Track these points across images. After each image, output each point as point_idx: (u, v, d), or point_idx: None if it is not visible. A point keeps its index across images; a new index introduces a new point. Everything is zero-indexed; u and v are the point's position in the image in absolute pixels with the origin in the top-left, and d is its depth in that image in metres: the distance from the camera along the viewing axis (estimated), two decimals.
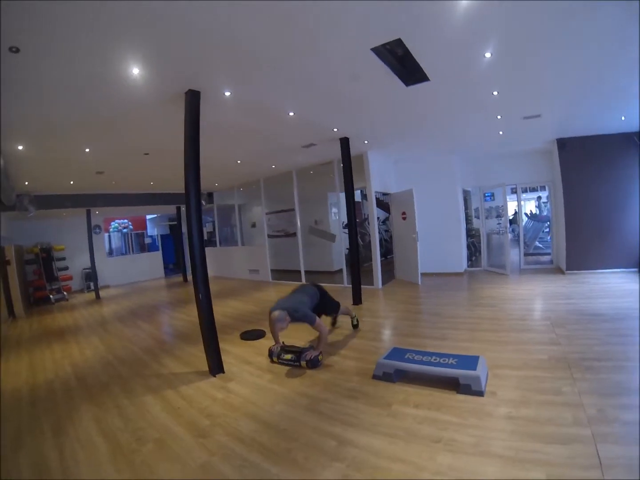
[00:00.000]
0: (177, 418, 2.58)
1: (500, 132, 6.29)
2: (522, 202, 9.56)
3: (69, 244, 9.95)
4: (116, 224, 11.89)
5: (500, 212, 12.42)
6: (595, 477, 1.69)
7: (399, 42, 2.88)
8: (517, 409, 2.33)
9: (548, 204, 13.31)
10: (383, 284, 7.25)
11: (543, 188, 13.61)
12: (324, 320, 3.88)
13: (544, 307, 4.88)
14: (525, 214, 10.78)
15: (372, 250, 7.24)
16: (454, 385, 2.67)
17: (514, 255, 8.20)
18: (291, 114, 4.42)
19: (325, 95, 4.00)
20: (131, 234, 12.29)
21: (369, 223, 7.71)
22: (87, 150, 4.99)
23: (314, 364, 3.35)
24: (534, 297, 5.56)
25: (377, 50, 2.98)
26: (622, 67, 3.72)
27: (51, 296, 8.95)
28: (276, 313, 3.41)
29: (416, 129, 5.76)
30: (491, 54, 3.27)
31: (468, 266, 8.46)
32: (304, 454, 2.09)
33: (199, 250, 3.33)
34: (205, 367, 3.43)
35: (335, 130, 5.36)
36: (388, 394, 2.74)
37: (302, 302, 3.60)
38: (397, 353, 3.16)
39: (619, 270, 6.71)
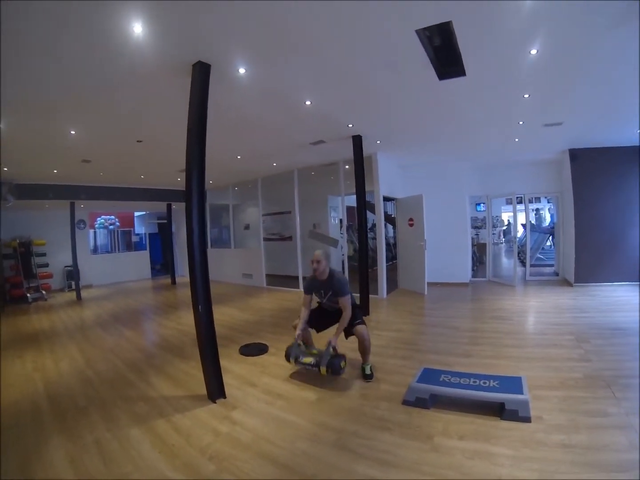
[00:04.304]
0: (172, 460, 2.08)
1: (517, 140, 6.04)
2: (524, 213, 9.34)
3: (51, 239, 9.23)
4: (102, 220, 11.19)
5: (495, 223, 12.25)
6: None
7: (447, 27, 2.51)
8: (569, 436, 2.14)
9: (545, 215, 13.30)
10: (386, 293, 6.87)
11: (538, 200, 13.62)
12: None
13: (562, 321, 4.63)
14: (523, 225, 10.58)
15: (377, 257, 6.85)
16: (493, 410, 2.45)
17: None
18: (308, 102, 3.98)
19: (350, 83, 3.57)
20: (117, 231, 11.60)
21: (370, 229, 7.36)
22: (73, 132, 4.42)
23: (335, 370, 2.99)
24: (548, 310, 5.33)
25: (421, 33, 2.60)
26: None
27: (28, 295, 8.25)
28: (319, 252, 3.16)
29: (435, 130, 5.40)
30: (537, 51, 2.99)
31: (471, 276, 8.18)
32: None
33: (200, 253, 2.82)
34: (202, 389, 2.93)
35: (350, 126, 4.96)
36: (424, 422, 2.41)
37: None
38: (429, 375, 2.83)
39: (626, 283, 6.61)
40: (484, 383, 2.61)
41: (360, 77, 3.42)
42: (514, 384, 2.58)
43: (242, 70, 3.10)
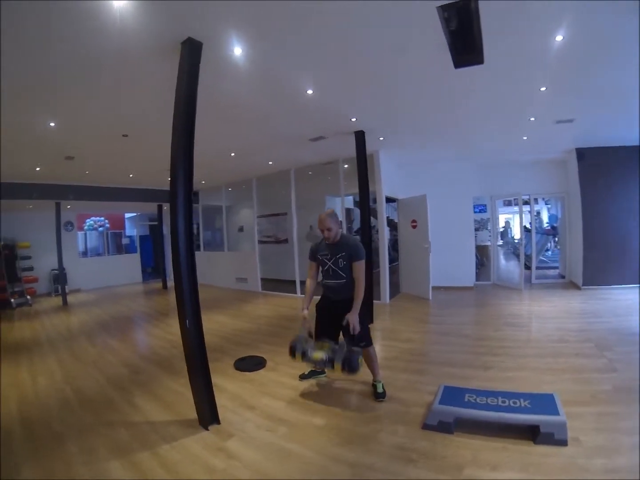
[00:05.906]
0: None
1: (525, 138, 5.79)
2: (527, 215, 9.08)
3: (36, 241, 8.84)
4: (91, 222, 10.76)
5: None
6: None
7: (472, 5, 2.22)
8: (612, 459, 1.91)
9: (543, 216, 13.07)
10: (389, 298, 6.56)
11: (535, 201, 13.41)
12: None
13: (578, 327, 4.38)
14: (525, 227, 10.37)
15: (380, 259, 6.55)
16: (523, 432, 2.17)
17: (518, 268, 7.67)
18: (309, 91, 3.65)
19: (357, 69, 3.24)
20: (108, 233, 11.17)
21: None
22: (52, 124, 4.04)
23: (352, 367, 2.56)
24: (561, 315, 5.08)
25: (442, 11, 2.30)
26: None
27: (12, 300, 7.81)
28: (324, 215, 2.79)
29: (443, 123, 5.08)
30: (563, 37, 2.74)
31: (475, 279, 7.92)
32: None
33: (187, 258, 2.43)
34: (192, 412, 2.57)
35: (353, 120, 4.63)
36: (450, 451, 2.10)
37: None
38: (451, 394, 2.51)
39: (637, 286, 6.31)
40: (514, 403, 2.31)
41: (369, 62, 3.11)
42: (546, 402, 2.29)
43: (237, 51, 2.75)
